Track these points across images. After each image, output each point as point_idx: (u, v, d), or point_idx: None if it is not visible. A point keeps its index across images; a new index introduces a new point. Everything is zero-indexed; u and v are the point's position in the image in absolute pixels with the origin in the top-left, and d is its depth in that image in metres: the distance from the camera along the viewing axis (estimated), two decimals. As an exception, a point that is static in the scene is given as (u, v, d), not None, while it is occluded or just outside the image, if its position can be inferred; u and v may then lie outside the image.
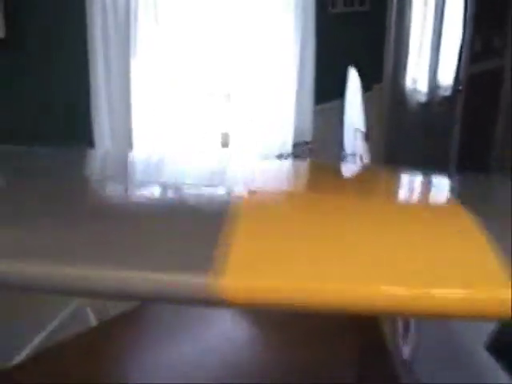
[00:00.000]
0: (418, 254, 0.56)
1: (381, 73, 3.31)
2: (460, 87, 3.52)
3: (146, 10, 2.39)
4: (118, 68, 2.39)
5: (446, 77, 3.54)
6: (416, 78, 3.41)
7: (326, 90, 3.03)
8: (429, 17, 3.35)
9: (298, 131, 2.98)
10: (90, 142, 2.40)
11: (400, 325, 1.47)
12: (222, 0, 2.65)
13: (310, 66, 2.95)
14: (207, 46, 2.66)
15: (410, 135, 3.47)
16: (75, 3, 2.29)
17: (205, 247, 0.55)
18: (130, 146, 2.48)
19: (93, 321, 2.05)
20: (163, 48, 2.47)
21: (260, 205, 0.67)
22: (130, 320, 2.15)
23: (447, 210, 0.67)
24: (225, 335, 2.34)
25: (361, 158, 2.04)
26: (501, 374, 1.03)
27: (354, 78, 2.19)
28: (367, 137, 2.01)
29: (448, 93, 3.55)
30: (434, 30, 3.36)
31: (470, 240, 0.58)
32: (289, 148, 2.96)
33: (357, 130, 2.07)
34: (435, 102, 3.51)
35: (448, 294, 0.52)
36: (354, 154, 2.09)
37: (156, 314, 2.27)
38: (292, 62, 2.89)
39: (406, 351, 1.41)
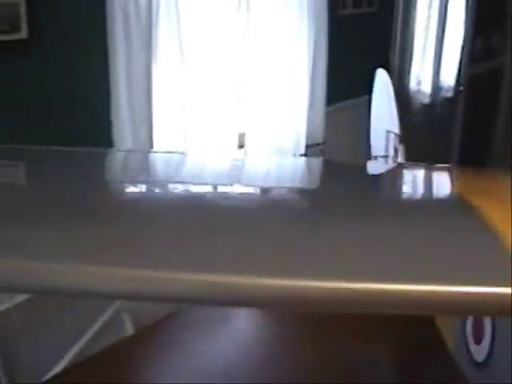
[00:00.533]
0: None
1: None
2: (461, 88, 3.57)
3: (169, 13, 2.36)
4: (139, 67, 2.36)
5: (448, 78, 3.58)
6: (420, 79, 3.44)
7: (337, 90, 3.04)
8: (432, 19, 3.38)
9: (309, 132, 2.99)
10: (109, 143, 2.37)
11: (469, 324, 1.45)
12: (239, 3, 2.64)
13: (323, 67, 2.96)
14: (224, 48, 2.65)
15: (413, 134, 3.50)
16: (97, 5, 2.25)
17: (481, 251, 0.54)
18: (150, 147, 2.45)
19: (129, 329, 2.01)
20: (184, 49, 2.45)
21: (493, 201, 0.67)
22: (165, 325, 2.12)
23: None
24: (250, 334, 2.33)
25: (393, 161, 2.05)
26: None
27: (382, 79, 2.19)
28: (401, 138, 2.02)
29: (450, 93, 3.59)
30: (438, 32, 3.40)
31: None
32: (302, 149, 2.96)
33: (389, 132, 2.08)
34: (438, 103, 3.55)
35: None
36: (385, 156, 2.09)
37: (186, 318, 2.25)
38: (304, 64, 2.89)
39: (479, 353, 1.40)
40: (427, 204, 0.84)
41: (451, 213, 0.73)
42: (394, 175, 1.17)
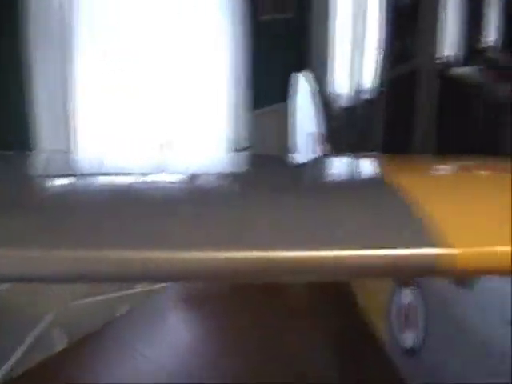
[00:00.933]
0: None
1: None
2: (382, 89, 3.67)
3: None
4: (56, 71, 2.29)
5: (368, 80, 3.67)
6: (340, 82, 3.51)
7: (260, 96, 3.05)
8: (348, 24, 3.47)
9: (234, 137, 2.99)
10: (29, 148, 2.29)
11: (398, 310, 1.47)
12: (158, 7, 2.61)
13: (244, 72, 2.96)
14: (142, 52, 2.61)
15: (335, 136, 3.57)
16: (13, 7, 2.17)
17: (406, 220, 0.56)
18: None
19: (62, 343, 1.95)
20: (102, 53, 2.40)
21: (417, 177, 0.69)
22: (96, 339, 2.07)
23: None
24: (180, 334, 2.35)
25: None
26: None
27: (303, 83, 2.21)
28: (324, 139, 2.04)
29: (370, 95, 3.68)
30: (356, 37, 3.48)
31: None
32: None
33: (310, 134, 2.09)
34: (358, 105, 3.63)
35: None
36: (310, 156, 2.11)
37: (117, 331, 2.21)
38: (225, 70, 2.90)
39: (409, 339, 1.41)
40: (348, 184, 0.87)
41: (369, 189, 0.76)
42: (317, 162, 1.19)
